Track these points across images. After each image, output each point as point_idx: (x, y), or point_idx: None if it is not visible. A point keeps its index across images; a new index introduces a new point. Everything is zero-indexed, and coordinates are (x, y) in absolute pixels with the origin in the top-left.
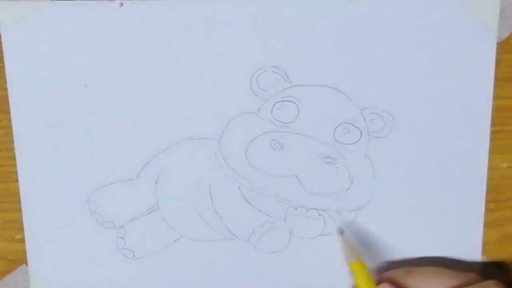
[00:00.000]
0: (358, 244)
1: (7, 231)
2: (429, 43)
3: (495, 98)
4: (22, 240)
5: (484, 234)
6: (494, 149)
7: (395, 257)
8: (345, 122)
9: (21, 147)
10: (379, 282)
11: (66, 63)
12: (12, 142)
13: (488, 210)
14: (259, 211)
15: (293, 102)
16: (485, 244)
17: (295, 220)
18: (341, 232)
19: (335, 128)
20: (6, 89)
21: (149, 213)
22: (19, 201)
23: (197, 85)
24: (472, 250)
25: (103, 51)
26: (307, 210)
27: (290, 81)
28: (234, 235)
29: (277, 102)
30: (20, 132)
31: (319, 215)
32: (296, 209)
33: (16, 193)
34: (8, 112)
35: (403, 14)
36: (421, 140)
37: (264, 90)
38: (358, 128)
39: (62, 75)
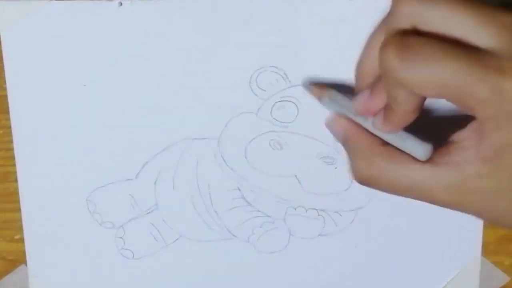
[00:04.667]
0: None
1: (6, 231)
2: None
3: None
4: (21, 240)
5: (484, 234)
6: None
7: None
8: None
9: (20, 147)
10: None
11: (65, 63)
12: (11, 142)
13: None
14: (259, 211)
15: (293, 102)
16: (485, 244)
17: (295, 220)
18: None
19: None
20: (5, 89)
21: (148, 213)
22: (18, 201)
23: (196, 85)
24: (472, 250)
25: (102, 51)
26: (306, 210)
27: (289, 81)
28: (233, 235)
29: (277, 102)
30: (20, 132)
31: (318, 215)
32: (295, 209)
33: (15, 193)
34: (8, 112)
35: None
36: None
37: (263, 90)
38: None
39: (61, 75)
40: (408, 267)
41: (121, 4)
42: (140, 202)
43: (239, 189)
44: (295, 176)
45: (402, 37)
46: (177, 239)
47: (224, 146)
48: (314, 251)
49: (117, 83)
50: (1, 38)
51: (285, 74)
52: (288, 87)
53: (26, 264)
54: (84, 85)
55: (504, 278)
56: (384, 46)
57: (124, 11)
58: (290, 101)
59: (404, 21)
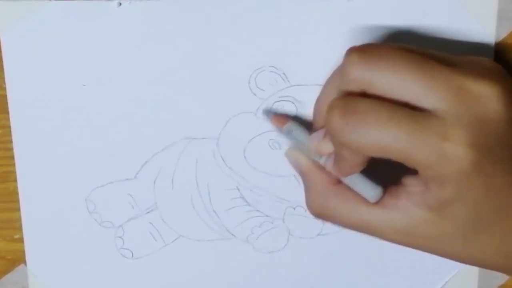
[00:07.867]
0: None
1: (5, 230)
2: (428, 43)
3: None
4: (20, 240)
5: None
6: None
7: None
8: None
9: (19, 147)
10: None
11: (64, 63)
12: (11, 141)
13: None
14: (258, 211)
15: (292, 102)
16: None
17: (294, 220)
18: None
19: None
20: (5, 88)
21: (147, 212)
22: (17, 201)
23: (195, 84)
24: None
25: (102, 51)
26: (305, 210)
27: (288, 81)
28: (232, 235)
29: (276, 102)
30: (19, 131)
31: None
32: (294, 208)
33: (15, 192)
34: (7, 112)
35: (402, 14)
36: None
37: (262, 90)
38: None
39: (61, 74)
40: (407, 267)
41: (120, 4)
42: (139, 202)
43: (238, 189)
44: (294, 175)
45: (348, 100)
46: (176, 239)
47: (223, 145)
48: (313, 251)
49: (116, 83)
50: (1, 38)
51: (284, 74)
52: (287, 87)
53: (25, 264)
54: (84, 85)
55: (502, 277)
56: (330, 108)
57: (123, 11)
58: (289, 101)
59: (354, 85)
